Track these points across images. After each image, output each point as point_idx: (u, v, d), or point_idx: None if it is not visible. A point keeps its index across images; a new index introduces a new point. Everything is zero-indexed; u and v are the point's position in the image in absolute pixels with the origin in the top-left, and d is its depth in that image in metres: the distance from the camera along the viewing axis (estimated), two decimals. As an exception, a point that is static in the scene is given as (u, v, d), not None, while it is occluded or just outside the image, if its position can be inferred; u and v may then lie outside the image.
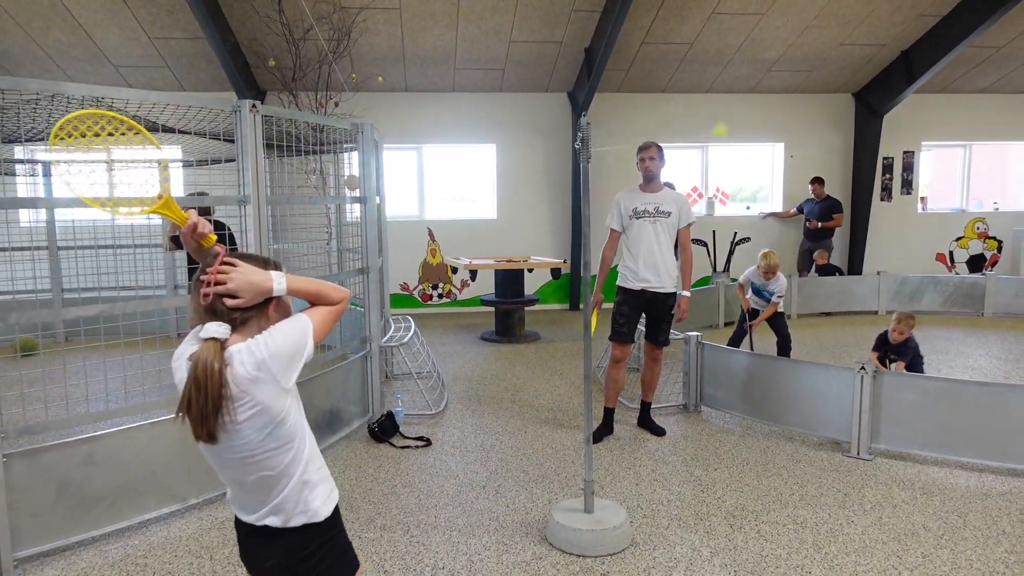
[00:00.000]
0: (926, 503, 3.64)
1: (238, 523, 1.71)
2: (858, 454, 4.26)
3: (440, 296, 10.23)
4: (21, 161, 7.75)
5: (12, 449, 3.01)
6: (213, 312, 1.53)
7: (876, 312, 9.35)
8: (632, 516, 3.49)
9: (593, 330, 4.28)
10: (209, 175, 5.37)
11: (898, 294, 9.38)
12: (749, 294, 6.18)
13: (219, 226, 5.70)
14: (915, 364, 5.18)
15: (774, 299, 5.95)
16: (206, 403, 1.46)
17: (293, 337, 1.56)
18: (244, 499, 1.66)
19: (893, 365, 5.16)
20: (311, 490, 1.64)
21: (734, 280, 6.46)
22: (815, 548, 3.17)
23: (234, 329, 1.55)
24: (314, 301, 1.65)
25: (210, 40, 7.77)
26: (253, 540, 1.68)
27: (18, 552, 3.03)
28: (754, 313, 6.15)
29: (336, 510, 1.72)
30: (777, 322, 6.13)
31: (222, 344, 1.51)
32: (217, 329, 1.51)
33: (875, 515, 3.51)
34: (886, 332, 5.25)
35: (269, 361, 1.51)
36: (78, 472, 3.19)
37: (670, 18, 8.39)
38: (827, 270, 9.64)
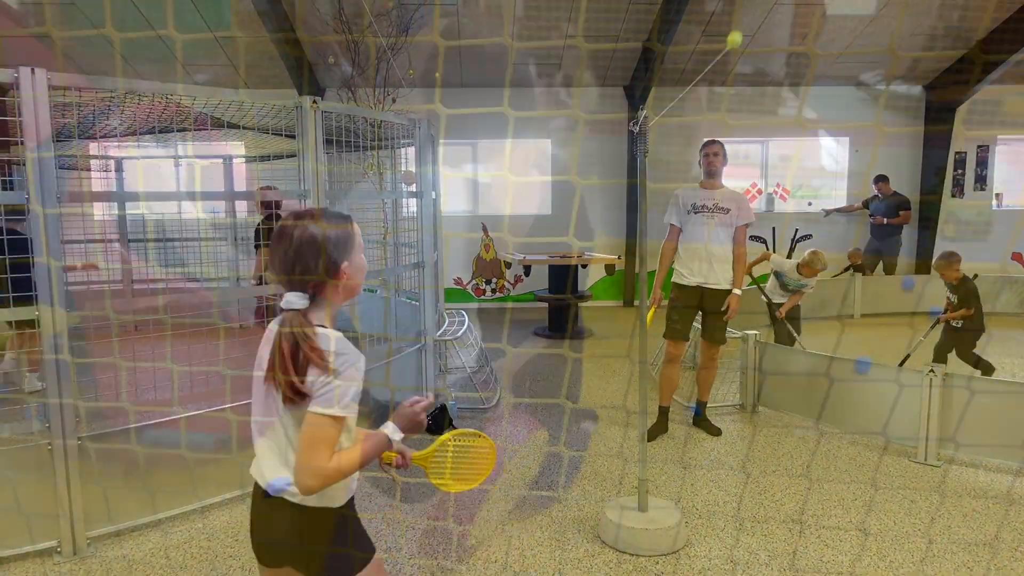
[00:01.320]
0: (999, 513, 3.47)
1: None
2: (926, 460, 4.09)
3: (493, 291, 10.26)
4: (95, 157, 8.09)
5: (86, 433, 3.14)
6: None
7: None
8: (687, 516, 3.43)
9: (649, 323, 4.21)
10: (271, 170, 5.51)
11: (970, 294, 8.95)
12: (770, 281, 5.99)
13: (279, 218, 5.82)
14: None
15: (805, 290, 5.75)
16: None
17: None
18: None
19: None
20: None
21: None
22: (879, 556, 3.06)
23: (312, 300, 1.58)
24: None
25: (272, 39, 7.96)
26: None
27: (90, 531, 3.17)
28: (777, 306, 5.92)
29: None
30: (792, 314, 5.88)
31: (303, 314, 1.55)
32: (298, 300, 1.55)
33: (944, 524, 3.36)
34: None
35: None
36: (146, 456, 3.32)
37: (731, 9, 8.19)
38: (859, 270, 9.24)
